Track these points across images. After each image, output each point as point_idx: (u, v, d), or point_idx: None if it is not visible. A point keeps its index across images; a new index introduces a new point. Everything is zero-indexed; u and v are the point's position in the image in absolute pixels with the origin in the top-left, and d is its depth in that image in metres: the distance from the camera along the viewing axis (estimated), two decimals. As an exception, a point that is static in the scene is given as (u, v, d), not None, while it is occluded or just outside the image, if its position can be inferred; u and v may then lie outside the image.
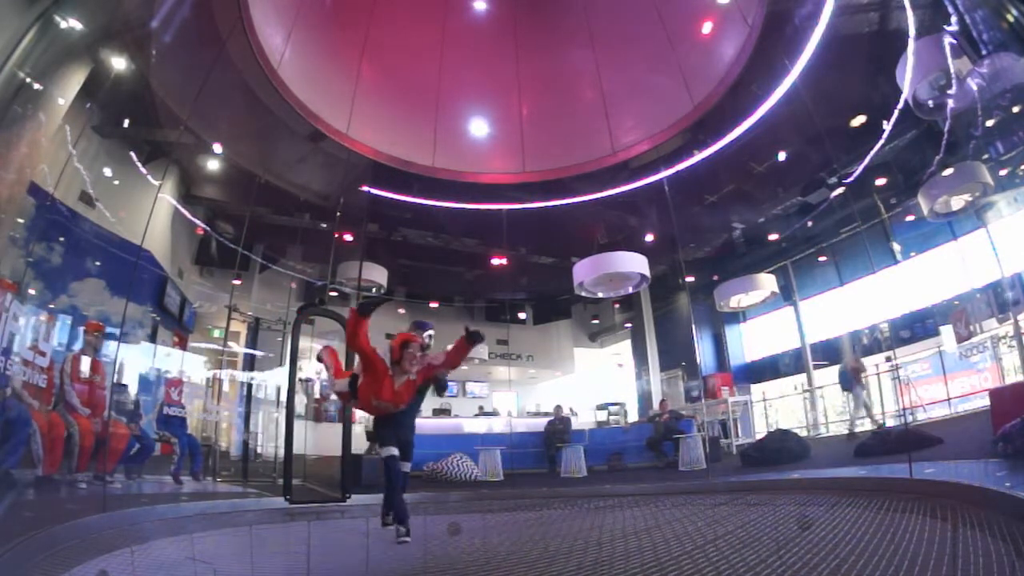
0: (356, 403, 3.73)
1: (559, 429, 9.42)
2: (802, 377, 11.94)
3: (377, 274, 10.46)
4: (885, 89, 7.47)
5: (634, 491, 6.04)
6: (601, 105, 9.51)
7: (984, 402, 5.27)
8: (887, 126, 7.77)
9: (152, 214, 6.40)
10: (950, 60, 6.14)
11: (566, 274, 9.85)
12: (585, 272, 9.25)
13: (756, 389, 12.62)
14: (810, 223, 10.42)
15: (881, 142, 8.10)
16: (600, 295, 10.31)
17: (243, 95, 7.73)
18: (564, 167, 9.81)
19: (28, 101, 5.26)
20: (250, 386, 9.01)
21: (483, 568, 2.75)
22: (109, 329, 6.10)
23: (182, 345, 8.90)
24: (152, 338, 8.15)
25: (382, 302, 3.22)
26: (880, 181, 9.46)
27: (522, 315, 14.82)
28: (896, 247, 10.31)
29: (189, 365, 8.14)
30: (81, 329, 5.91)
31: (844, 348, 9.98)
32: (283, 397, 8.23)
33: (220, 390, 8.35)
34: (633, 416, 13.41)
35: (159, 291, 8.44)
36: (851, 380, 8.46)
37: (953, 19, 5.89)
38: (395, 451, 3.61)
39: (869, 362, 10.47)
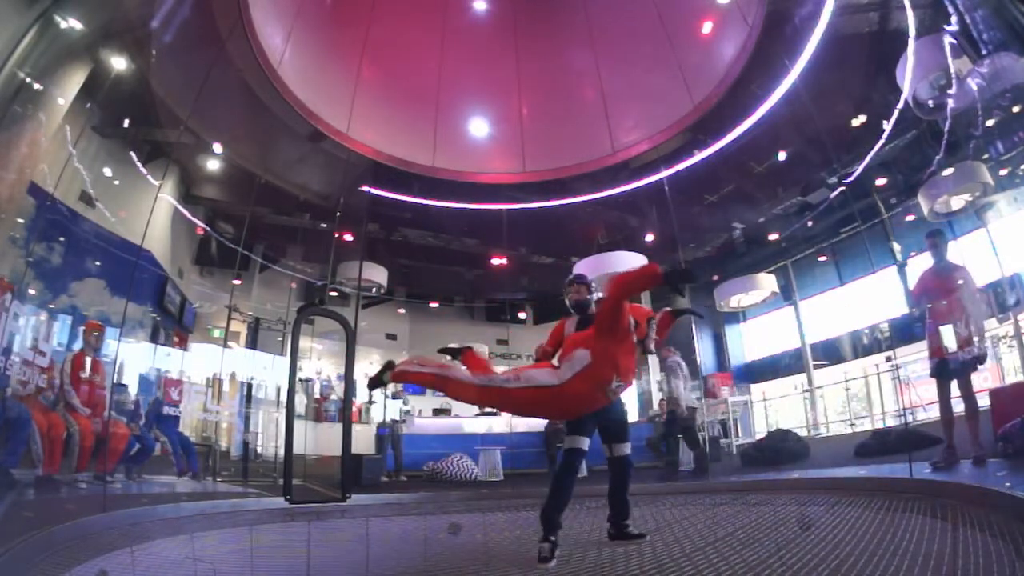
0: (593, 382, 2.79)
1: (559, 429, 9.41)
2: (802, 377, 11.95)
3: (377, 274, 10.48)
4: (885, 89, 7.49)
5: (633, 491, 6.03)
6: (601, 105, 9.51)
7: (984, 402, 5.25)
8: (887, 126, 7.78)
9: (152, 214, 6.40)
10: (950, 60, 6.15)
11: (566, 274, 9.80)
12: (585, 272, 9.24)
13: (756, 389, 12.64)
14: (810, 223, 10.43)
15: (881, 142, 8.11)
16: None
17: (243, 95, 7.74)
18: (564, 167, 9.81)
19: (28, 101, 5.26)
20: (250, 386, 9.02)
21: (483, 568, 2.74)
22: (109, 329, 6.10)
23: (182, 345, 8.91)
24: (153, 338, 8.16)
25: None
26: (880, 181, 9.47)
27: (522, 315, 14.78)
28: (896, 247, 10.30)
29: (189, 364, 8.14)
30: (81, 329, 5.91)
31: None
32: (283, 397, 8.24)
33: (220, 390, 8.35)
34: (633, 416, 13.40)
35: (159, 291, 8.44)
36: None
37: (953, 19, 5.90)
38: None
39: (869, 362, 10.50)
